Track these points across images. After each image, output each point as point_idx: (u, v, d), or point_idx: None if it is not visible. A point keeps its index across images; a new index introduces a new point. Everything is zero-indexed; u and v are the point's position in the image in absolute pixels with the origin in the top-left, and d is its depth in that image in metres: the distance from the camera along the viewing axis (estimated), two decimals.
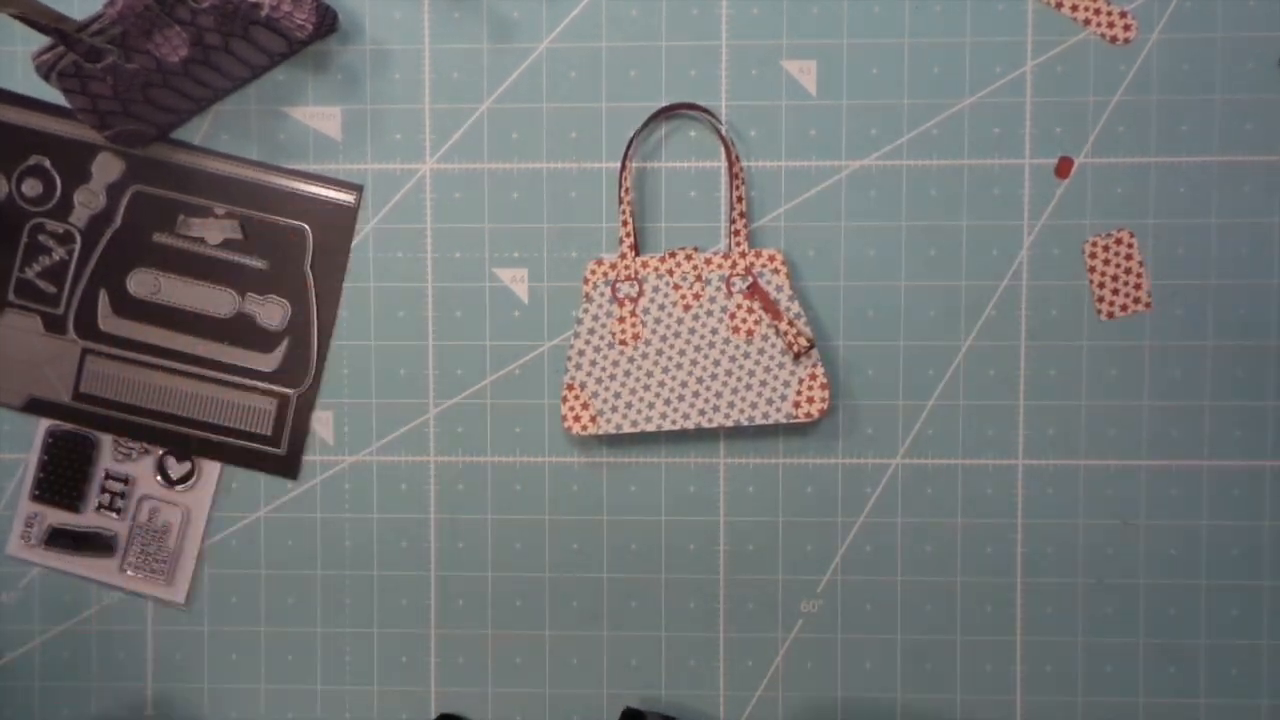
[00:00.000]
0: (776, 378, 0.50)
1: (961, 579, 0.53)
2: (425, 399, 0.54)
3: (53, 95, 0.53)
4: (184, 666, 0.53)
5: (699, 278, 0.51)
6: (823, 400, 0.50)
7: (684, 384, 0.51)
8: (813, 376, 0.50)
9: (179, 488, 0.54)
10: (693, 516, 0.53)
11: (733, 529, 0.53)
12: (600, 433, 0.51)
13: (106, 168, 0.54)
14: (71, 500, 0.54)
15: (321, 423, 0.54)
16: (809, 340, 0.50)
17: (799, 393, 0.50)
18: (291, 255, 0.53)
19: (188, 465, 0.54)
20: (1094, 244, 0.51)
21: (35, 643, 0.55)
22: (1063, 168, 0.52)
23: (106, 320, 0.54)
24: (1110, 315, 0.51)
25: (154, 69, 0.47)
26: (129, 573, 0.54)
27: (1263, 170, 0.51)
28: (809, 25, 0.52)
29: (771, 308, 0.50)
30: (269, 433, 0.54)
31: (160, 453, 0.55)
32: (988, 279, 0.52)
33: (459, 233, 0.53)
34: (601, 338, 0.51)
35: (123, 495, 0.54)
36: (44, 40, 0.45)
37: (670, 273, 0.51)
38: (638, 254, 0.52)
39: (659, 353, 0.51)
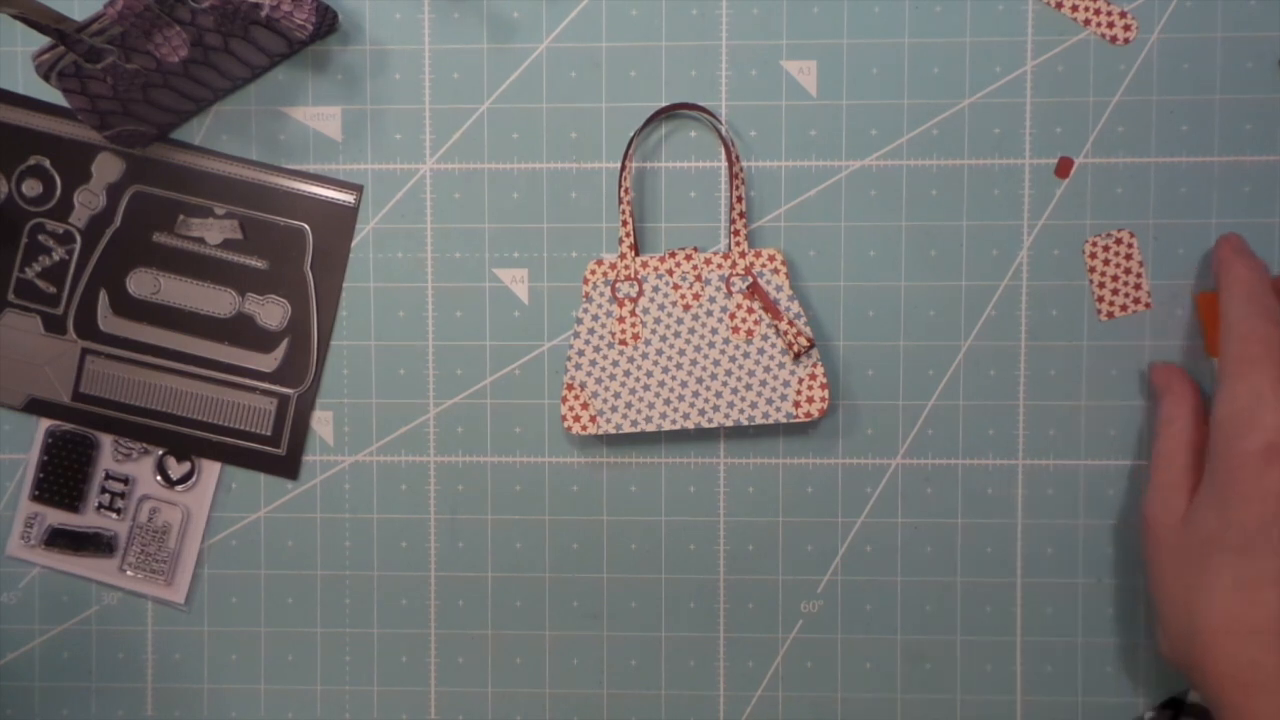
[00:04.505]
0: (776, 378, 0.50)
1: (961, 579, 0.53)
2: (425, 399, 0.54)
3: (53, 95, 0.53)
4: (184, 666, 0.53)
5: (699, 278, 0.51)
6: (823, 400, 0.50)
7: (684, 384, 0.51)
8: (813, 376, 0.50)
9: (179, 488, 0.54)
10: (693, 516, 0.53)
11: (733, 529, 0.53)
12: (600, 433, 0.51)
13: (106, 168, 0.54)
14: (71, 500, 0.54)
15: (321, 423, 0.54)
16: (809, 340, 0.50)
17: (799, 393, 0.50)
18: (291, 255, 0.53)
19: (188, 465, 0.54)
20: (1094, 244, 0.51)
21: (35, 643, 0.55)
22: (1063, 168, 0.52)
23: (106, 320, 0.54)
24: (1110, 315, 0.51)
25: (154, 69, 0.47)
26: (129, 573, 0.54)
27: (1263, 170, 0.51)
28: (809, 25, 0.52)
29: (771, 308, 0.50)
30: (269, 433, 0.54)
31: (160, 453, 0.55)
32: (988, 279, 0.52)
33: (459, 233, 0.53)
34: (601, 338, 0.51)
35: (123, 495, 0.54)
36: (44, 40, 0.45)
37: (670, 273, 0.51)
38: (638, 254, 0.52)
39: (659, 353, 0.51)
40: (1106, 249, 0.51)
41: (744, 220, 0.51)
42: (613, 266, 0.51)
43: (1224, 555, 0.41)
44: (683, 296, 0.51)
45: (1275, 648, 0.39)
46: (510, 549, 0.54)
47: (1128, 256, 0.51)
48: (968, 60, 0.52)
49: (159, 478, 0.55)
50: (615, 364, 0.51)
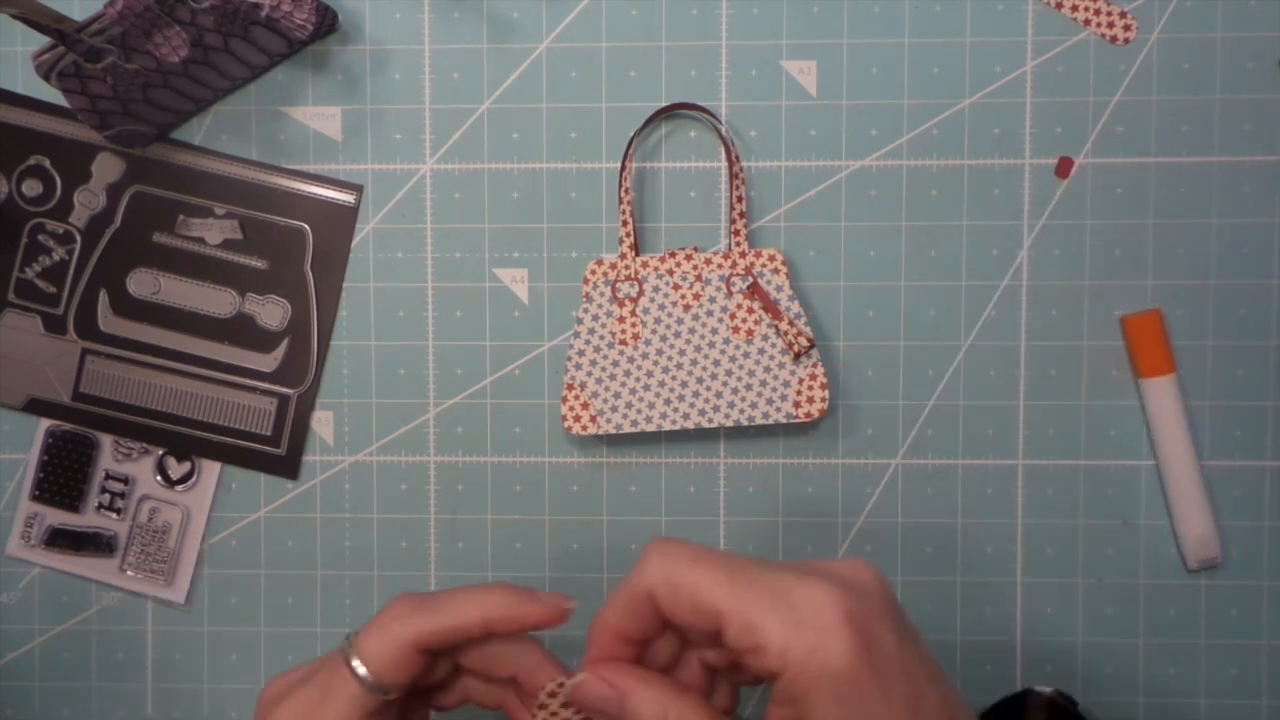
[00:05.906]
0: (776, 378, 0.50)
1: (961, 579, 0.53)
2: (425, 399, 0.54)
3: (53, 95, 0.53)
4: (184, 666, 0.53)
5: (699, 278, 0.51)
6: (823, 400, 0.50)
7: (684, 384, 0.51)
8: (813, 376, 0.50)
9: (179, 488, 0.54)
10: (693, 516, 0.53)
11: (733, 529, 0.53)
12: (600, 433, 0.51)
13: (106, 168, 0.54)
14: (71, 500, 0.54)
15: (321, 423, 0.54)
16: (809, 340, 0.50)
17: (799, 393, 0.50)
18: (291, 255, 0.53)
19: (188, 465, 0.54)
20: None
21: (35, 643, 0.55)
22: (1063, 168, 0.52)
23: (106, 320, 0.54)
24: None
25: (154, 69, 0.47)
26: (129, 573, 0.54)
27: (1263, 170, 0.51)
28: (809, 25, 0.52)
29: (771, 308, 0.50)
30: (269, 433, 0.54)
31: (160, 453, 0.54)
32: (988, 279, 0.52)
33: (459, 233, 0.53)
34: (601, 338, 0.51)
35: (123, 495, 0.54)
36: (44, 40, 0.45)
37: (670, 273, 0.51)
38: (638, 254, 0.52)
39: (659, 353, 0.51)
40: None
41: (744, 220, 0.51)
42: (613, 266, 0.51)
43: None
44: (683, 296, 0.51)
45: None
46: (510, 549, 0.54)
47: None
48: (968, 60, 0.52)
49: (159, 478, 0.55)
50: (615, 364, 0.51)
